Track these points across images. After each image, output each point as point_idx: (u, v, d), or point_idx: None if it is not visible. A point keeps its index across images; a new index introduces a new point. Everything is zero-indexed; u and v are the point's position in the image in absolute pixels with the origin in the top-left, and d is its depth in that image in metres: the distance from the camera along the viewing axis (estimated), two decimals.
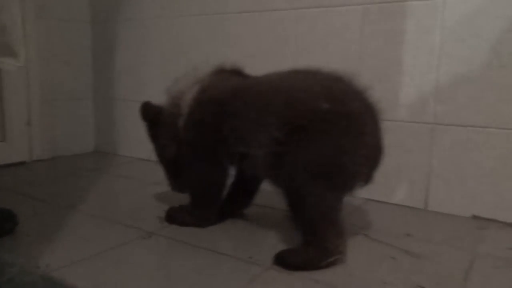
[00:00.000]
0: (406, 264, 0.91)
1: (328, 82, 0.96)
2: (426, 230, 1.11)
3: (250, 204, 1.20)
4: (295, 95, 0.94)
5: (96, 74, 2.03)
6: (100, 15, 1.96)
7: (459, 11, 1.17)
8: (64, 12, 1.89)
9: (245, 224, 1.14)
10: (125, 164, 1.83)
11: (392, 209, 1.27)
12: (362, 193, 1.35)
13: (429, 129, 1.24)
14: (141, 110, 1.19)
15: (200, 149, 1.07)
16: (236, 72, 1.14)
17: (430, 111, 1.24)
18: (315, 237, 0.90)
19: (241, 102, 0.99)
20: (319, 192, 0.89)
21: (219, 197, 1.12)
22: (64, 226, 1.09)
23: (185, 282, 0.83)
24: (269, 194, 1.34)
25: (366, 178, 0.96)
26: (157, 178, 1.56)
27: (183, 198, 1.15)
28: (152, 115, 1.18)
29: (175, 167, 1.17)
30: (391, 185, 1.32)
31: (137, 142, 1.91)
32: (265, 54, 1.49)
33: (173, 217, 1.13)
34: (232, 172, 1.12)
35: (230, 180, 1.14)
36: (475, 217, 1.19)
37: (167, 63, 1.77)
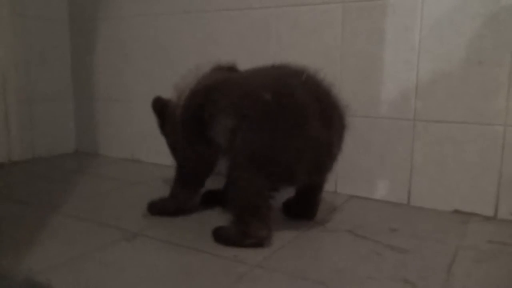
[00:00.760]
0: (391, 259, 0.92)
1: (281, 76, 1.02)
2: (410, 225, 1.13)
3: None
4: (247, 88, 1.01)
5: (76, 74, 2.00)
6: (79, 13, 1.93)
7: (438, 9, 1.19)
8: (41, 10, 1.86)
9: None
10: (107, 164, 1.81)
11: (376, 205, 1.29)
12: (345, 190, 1.38)
13: (410, 125, 1.26)
14: (152, 104, 1.27)
15: (189, 133, 1.13)
16: (230, 69, 1.21)
17: (411, 107, 1.25)
18: (237, 219, 0.97)
19: (215, 94, 1.05)
20: (249, 177, 0.94)
21: (200, 180, 1.18)
22: (46, 228, 1.07)
23: (171, 282, 0.82)
24: None
25: (311, 172, 0.98)
26: (140, 178, 1.55)
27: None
28: (159, 108, 1.26)
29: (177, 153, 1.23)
30: (374, 181, 1.33)
31: (119, 142, 1.89)
32: (247, 52, 1.49)
33: (154, 207, 1.18)
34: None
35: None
36: (456, 211, 1.21)
37: (148, 62, 1.76)
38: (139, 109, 1.77)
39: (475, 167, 1.19)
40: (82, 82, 1.98)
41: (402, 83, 1.26)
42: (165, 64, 1.71)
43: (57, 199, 1.30)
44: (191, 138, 1.13)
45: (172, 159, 1.22)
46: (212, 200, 1.25)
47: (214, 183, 1.22)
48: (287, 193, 1.13)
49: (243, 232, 0.96)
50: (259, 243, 0.96)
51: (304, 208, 1.15)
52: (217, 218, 1.15)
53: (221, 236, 1.00)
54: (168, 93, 1.23)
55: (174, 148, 1.24)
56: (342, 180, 1.38)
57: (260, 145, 0.94)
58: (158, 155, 1.73)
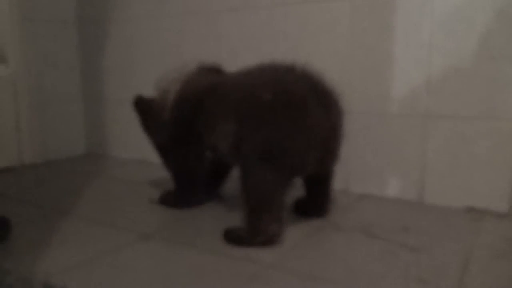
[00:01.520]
0: (405, 258, 0.91)
1: (277, 75, 1.05)
2: (422, 223, 1.12)
3: (220, 187, 1.35)
4: (246, 91, 1.04)
5: (85, 76, 2.01)
6: (87, 15, 1.94)
7: (448, 4, 1.18)
8: (50, 13, 1.87)
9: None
10: (118, 166, 1.82)
11: (387, 203, 1.28)
12: (357, 188, 1.37)
13: (422, 122, 1.25)
14: (134, 103, 1.31)
15: (179, 140, 1.20)
16: (215, 70, 1.25)
17: (422, 104, 1.24)
18: (250, 216, 0.98)
19: (210, 100, 1.10)
20: (262, 173, 0.97)
21: (196, 182, 1.25)
22: (60, 231, 1.08)
23: (184, 283, 0.82)
24: None
25: (319, 161, 1.02)
26: (151, 179, 1.56)
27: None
28: (143, 107, 1.30)
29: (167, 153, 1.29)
30: (385, 179, 1.32)
31: (130, 144, 1.90)
32: (254, 52, 1.48)
33: (163, 199, 1.28)
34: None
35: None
36: (470, 209, 1.20)
37: (156, 62, 1.76)
38: None
39: (488, 163, 1.17)
40: (91, 84, 2.00)
41: (413, 80, 1.25)
42: (172, 64, 1.70)
43: (69, 201, 1.31)
44: (183, 141, 1.19)
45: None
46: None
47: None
48: (297, 192, 1.14)
49: (255, 228, 0.97)
50: (270, 240, 0.97)
51: (316, 205, 1.16)
52: (229, 219, 1.14)
53: (232, 237, 1.00)
54: None
55: (161, 149, 1.30)
56: (354, 178, 1.38)
57: (269, 143, 0.97)
58: None
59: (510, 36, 1.11)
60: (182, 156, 1.21)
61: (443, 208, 1.22)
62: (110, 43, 1.90)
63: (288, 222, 1.12)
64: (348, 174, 1.38)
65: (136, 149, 1.88)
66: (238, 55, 1.51)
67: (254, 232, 0.97)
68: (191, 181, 1.24)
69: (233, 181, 1.20)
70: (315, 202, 1.16)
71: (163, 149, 1.28)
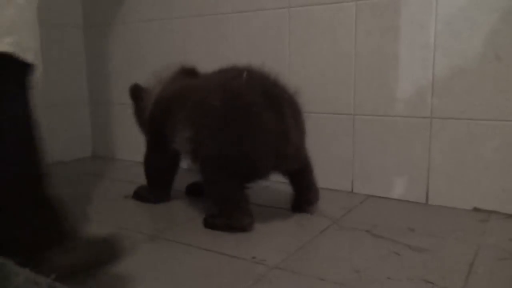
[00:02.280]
0: (410, 259, 0.91)
1: (226, 79, 1.06)
2: (428, 224, 1.11)
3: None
4: (197, 97, 1.07)
5: (91, 79, 2.02)
6: (93, 19, 1.96)
7: (453, 4, 1.17)
8: (56, 17, 1.88)
9: None
10: (124, 168, 1.82)
11: (393, 204, 1.28)
12: (362, 190, 1.37)
13: (427, 123, 1.24)
14: (129, 89, 1.36)
15: (152, 140, 1.27)
16: (191, 72, 1.31)
17: (428, 105, 1.24)
18: (222, 215, 1.06)
19: (175, 105, 1.14)
20: (220, 180, 1.03)
21: (165, 180, 1.31)
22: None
23: (191, 284, 0.82)
24: (270, 194, 1.35)
25: (276, 162, 1.03)
26: None
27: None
28: (137, 95, 1.34)
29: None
30: (391, 180, 1.32)
31: (135, 146, 1.90)
32: (260, 53, 1.48)
33: (136, 193, 1.35)
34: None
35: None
36: (476, 210, 1.20)
37: (161, 65, 1.76)
38: None
39: (494, 164, 1.17)
40: (98, 87, 2.01)
41: (418, 81, 1.24)
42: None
43: (75, 203, 1.31)
44: (155, 147, 1.27)
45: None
46: (195, 191, 1.35)
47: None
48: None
49: (228, 224, 1.05)
50: (244, 230, 1.05)
51: (303, 197, 1.19)
52: None
53: (210, 223, 1.09)
54: None
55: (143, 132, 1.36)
56: (359, 180, 1.37)
57: (220, 149, 1.01)
58: None
59: None
60: (153, 156, 1.29)
61: (449, 209, 1.22)
62: (115, 46, 1.91)
63: (293, 223, 1.13)
64: (353, 175, 1.38)
65: (141, 152, 1.88)
66: (243, 56, 1.51)
67: (228, 227, 1.05)
68: (158, 178, 1.31)
69: None
70: (300, 196, 1.20)
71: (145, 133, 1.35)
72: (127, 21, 1.84)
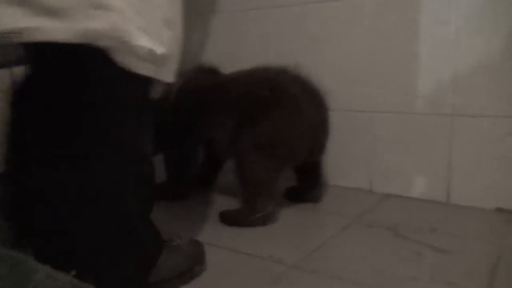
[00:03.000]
0: (433, 260, 0.89)
1: (272, 75, 1.16)
2: (450, 224, 1.09)
3: (214, 181, 1.44)
4: (245, 88, 1.15)
5: None
6: None
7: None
8: None
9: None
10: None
11: (414, 203, 1.25)
12: (381, 189, 1.35)
13: (448, 120, 1.22)
14: None
15: (173, 132, 1.26)
16: (212, 70, 1.34)
17: (449, 102, 1.21)
18: (248, 197, 1.10)
19: (211, 97, 1.20)
20: (257, 160, 1.08)
21: (186, 176, 1.32)
22: None
23: (207, 282, 0.82)
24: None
25: (309, 151, 1.14)
26: None
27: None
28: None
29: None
30: (410, 179, 1.29)
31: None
32: (276, 51, 1.47)
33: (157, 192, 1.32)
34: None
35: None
36: (499, 210, 1.17)
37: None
38: None
39: None
40: None
41: (439, 78, 1.22)
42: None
43: None
44: (176, 139, 1.26)
45: None
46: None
47: None
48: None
49: (253, 207, 1.08)
50: (267, 218, 1.08)
51: (309, 192, 1.25)
52: None
53: (227, 218, 1.11)
54: None
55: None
56: (378, 178, 1.35)
57: (265, 134, 1.08)
58: None
59: None
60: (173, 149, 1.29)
61: (471, 209, 1.19)
62: None
63: (312, 222, 1.12)
64: (372, 174, 1.36)
65: None
66: (259, 54, 1.50)
67: (252, 210, 1.08)
68: (178, 174, 1.32)
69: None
70: (308, 190, 1.25)
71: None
72: None
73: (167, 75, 0.71)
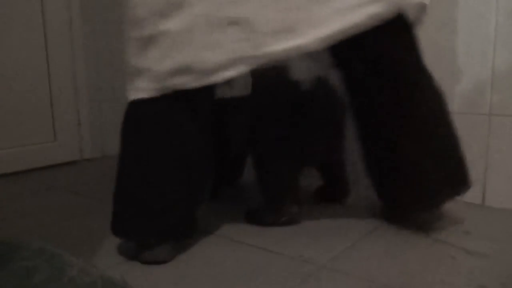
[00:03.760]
0: (467, 264, 0.87)
1: (290, 76, 1.15)
2: (485, 227, 1.06)
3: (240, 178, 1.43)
4: (262, 89, 1.14)
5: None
6: None
7: None
8: (108, 14, 1.93)
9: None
10: None
11: (448, 205, 1.22)
12: None
13: (486, 120, 1.18)
14: None
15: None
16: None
17: (487, 101, 1.17)
18: (273, 200, 1.10)
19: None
20: (278, 163, 1.09)
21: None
22: None
23: (236, 281, 0.82)
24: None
25: (328, 150, 1.15)
26: None
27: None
28: None
29: None
30: None
31: None
32: None
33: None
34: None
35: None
36: None
37: None
38: None
39: None
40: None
41: (477, 76, 1.18)
42: None
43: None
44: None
45: None
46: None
47: None
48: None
49: (278, 209, 1.08)
50: (293, 220, 1.08)
51: (334, 191, 1.26)
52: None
53: (253, 217, 1.11)
54: None
55: None
56: None
57: (283, 135, 1.08)
58: None
59: None
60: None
61: (507, 211, 1.15)
62: None
63: (342, 221, 1.10)
64: None
65: None
66: None
67: (277, 213, 1.08)
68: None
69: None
70: (333, 188, 1.26)
71: None
72: None
73: None
